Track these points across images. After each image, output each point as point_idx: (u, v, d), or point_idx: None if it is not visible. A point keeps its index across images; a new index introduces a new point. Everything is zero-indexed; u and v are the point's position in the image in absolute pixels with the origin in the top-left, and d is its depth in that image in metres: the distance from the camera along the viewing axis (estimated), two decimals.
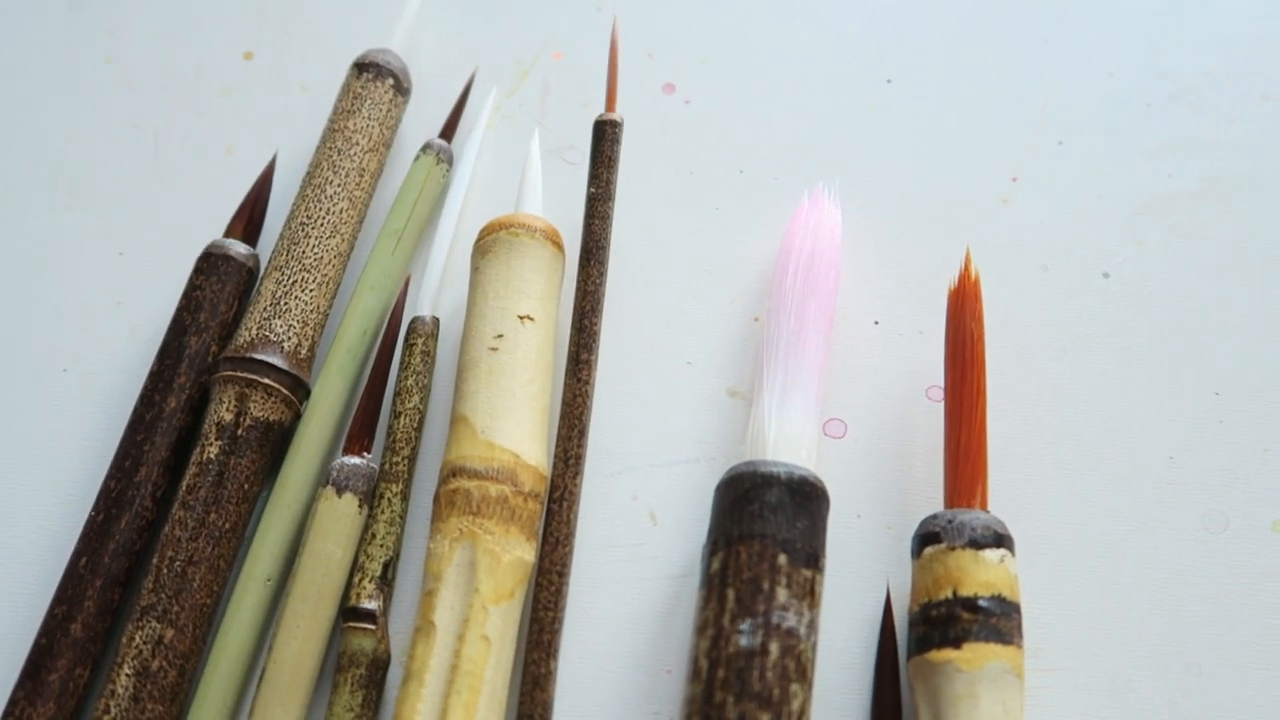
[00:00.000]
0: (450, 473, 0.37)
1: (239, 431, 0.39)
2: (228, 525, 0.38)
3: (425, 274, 0.43)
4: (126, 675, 0.35)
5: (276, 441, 0.40)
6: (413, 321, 0.42)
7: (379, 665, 0.36)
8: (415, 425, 0.40)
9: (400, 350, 0.41)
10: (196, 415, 0.40)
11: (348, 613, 0.37)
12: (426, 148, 0.45)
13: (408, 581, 0.39)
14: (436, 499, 0.37)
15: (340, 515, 0.38)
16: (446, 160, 0.46)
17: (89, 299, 0.45)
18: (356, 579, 0.37)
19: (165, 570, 0.37)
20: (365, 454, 0.39)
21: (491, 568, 0.35)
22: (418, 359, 0.41)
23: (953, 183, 0.46)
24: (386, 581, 0.37)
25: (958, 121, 0.48)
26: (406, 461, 0.39)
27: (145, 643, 0.36)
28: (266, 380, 0.39)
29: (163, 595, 0.36)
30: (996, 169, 0.46)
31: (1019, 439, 0.41)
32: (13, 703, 0.35)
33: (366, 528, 0.38)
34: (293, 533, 0.38)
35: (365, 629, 0.36)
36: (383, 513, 0.38)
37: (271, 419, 0.39)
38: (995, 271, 0.43)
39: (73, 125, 0.49)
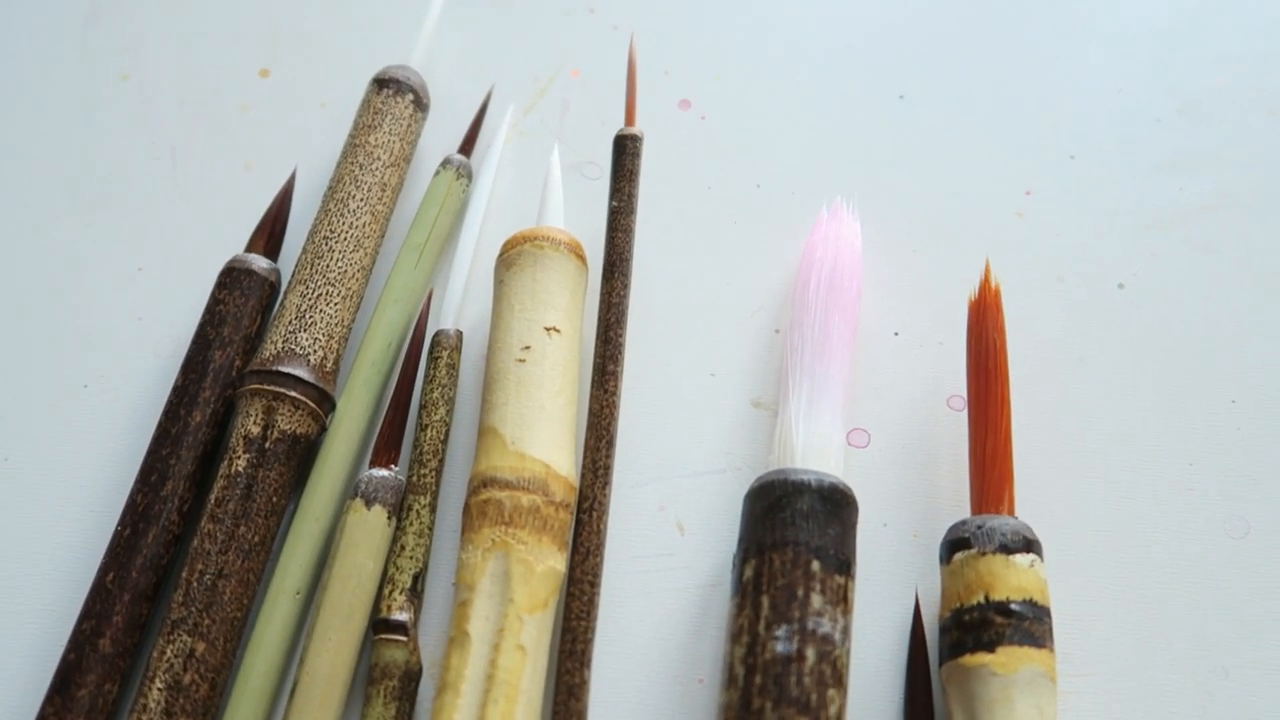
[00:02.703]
0: (481, 483, 0.37)
1: (266, 445, 0.39)
2: (256, 538, 0.38)
3: (447, 288, 0.43)
4: (158, 689, 0.35)
5: (303, 455, 0.40)
6: (436, 335, 0.42)
7: (411, 677, 0.36)
8: (441, 438, 0.40)
9: (424, 363, 0.42)
10: (221, 429, 0.40)
11: (379, 624, 0.37)
12: (446, 163, 0.46)
13: (434, 593, 0.39)
14: (467, 510, 0.37)
15: (370, 528, 0.38)
16: (466, 175, 0.46)
17: (109, 315, 0.44)
18: (387, 591, 0.37)
19: (195, 584, 0.36)
20: (392, 466, 0.39)
21: (525, 577, 0.35)
22: (443, 372, 0.41)
23: (967, 196, 0.47)
24: (416, 593, 0.37)
25: (970, 136, 0.48)
26: (434, 474, 0.39)
27: (176, 656, 0.35)
28: (293, 393, 0.39)
29: (193, 609, 0.36)
30: (1010, 183, 0.47)
31: (1038, 448, 0.41)
32: (42, 718, 0.35)
33: (395, 540, 0.38)
34: (320, 546, 0.38)
35: (397, 640, 0.36)
36: (411, 525, 0.38)
37: (298, 432, 0.39)
38: (1011, 283, 0.43)
39: (91, 141, 0.49)
